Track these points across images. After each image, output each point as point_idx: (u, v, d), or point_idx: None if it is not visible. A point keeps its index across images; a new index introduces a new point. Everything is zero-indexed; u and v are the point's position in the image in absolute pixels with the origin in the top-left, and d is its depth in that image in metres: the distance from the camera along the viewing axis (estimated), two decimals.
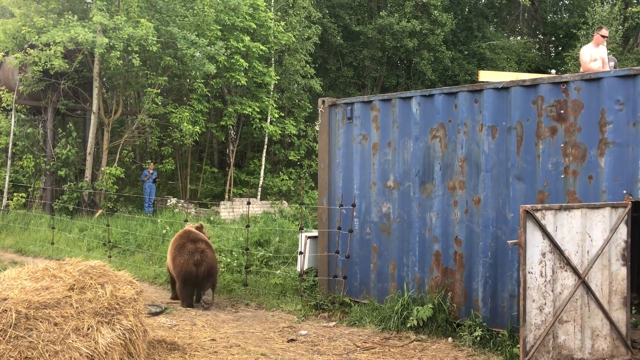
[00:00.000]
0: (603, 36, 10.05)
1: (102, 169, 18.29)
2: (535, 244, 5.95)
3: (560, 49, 33.73)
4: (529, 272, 5.91)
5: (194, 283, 8.48)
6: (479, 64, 28.72)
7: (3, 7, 21.83)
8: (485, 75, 13.81)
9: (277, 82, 22.66)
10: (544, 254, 5.97)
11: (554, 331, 5.98)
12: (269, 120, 22.20)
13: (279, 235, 12.85)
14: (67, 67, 17.00)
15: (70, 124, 18.82)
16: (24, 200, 18.37)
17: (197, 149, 23.94)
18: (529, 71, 28.83)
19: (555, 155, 6.78)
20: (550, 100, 6.84)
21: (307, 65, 23.67)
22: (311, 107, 23.76)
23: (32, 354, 4.75)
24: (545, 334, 5.91)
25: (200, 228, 9.28)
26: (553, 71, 22.85)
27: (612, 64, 10.96)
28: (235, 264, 10.90)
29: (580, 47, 11.51)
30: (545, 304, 5.96)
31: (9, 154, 18.59)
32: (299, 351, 6.83)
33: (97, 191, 17.88)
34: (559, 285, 6.02)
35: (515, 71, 26.33)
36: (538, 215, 5.94)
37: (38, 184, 18.90)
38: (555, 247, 5.99)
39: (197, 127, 19.46)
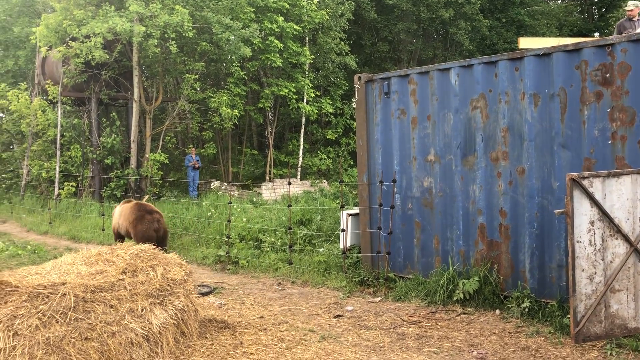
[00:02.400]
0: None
1: (147, 155, 18.73)
2: (583, 212, 5.81)
3: (603, 10, 32.33)
4: (577, 242, 5.79)
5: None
6: (518, 32, 27.89)
7: (44, 2, 22.38)
8: (525, 43, 13.43)
9: (312, 62, 22.59)
10: (592, 223, 5.83)
11: (605, 300, 5.86)
12: (305, 100, 22.21)
13: (321, 214, 12.92)
14: (107, 57, 17.39)
15: (114, 113, 19.30)
16: (74, 189, 19.00)
17: (236, 132, 24.21)
18: (571, 36, 27.85)
19: (602, 120, 6.57)
20: (594, 64, 6.61)
21: (342, 43, 23.47)
22: (347, 84, 23.62)
23: (92, 335, 4.97)
24: (596, 303, 5.81)
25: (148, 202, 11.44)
26: (597, 34, 22.00)
27: None
28: (279, 243, 11.06)
29: (626, 6, 11.17)
30: (596, 273, 5.84)
31: (58, 145, 19.23)
32: (346, 326, 6.92)
33: (142, 177, 18.35)
34: (609, 253, 5.88)
35: (556, 37, 25.47)
36: (585, 183, 5.79)
37: (86, 172, 19.52)
38: (605, 215, 5.84)
39: (236, 110, 19.67)
